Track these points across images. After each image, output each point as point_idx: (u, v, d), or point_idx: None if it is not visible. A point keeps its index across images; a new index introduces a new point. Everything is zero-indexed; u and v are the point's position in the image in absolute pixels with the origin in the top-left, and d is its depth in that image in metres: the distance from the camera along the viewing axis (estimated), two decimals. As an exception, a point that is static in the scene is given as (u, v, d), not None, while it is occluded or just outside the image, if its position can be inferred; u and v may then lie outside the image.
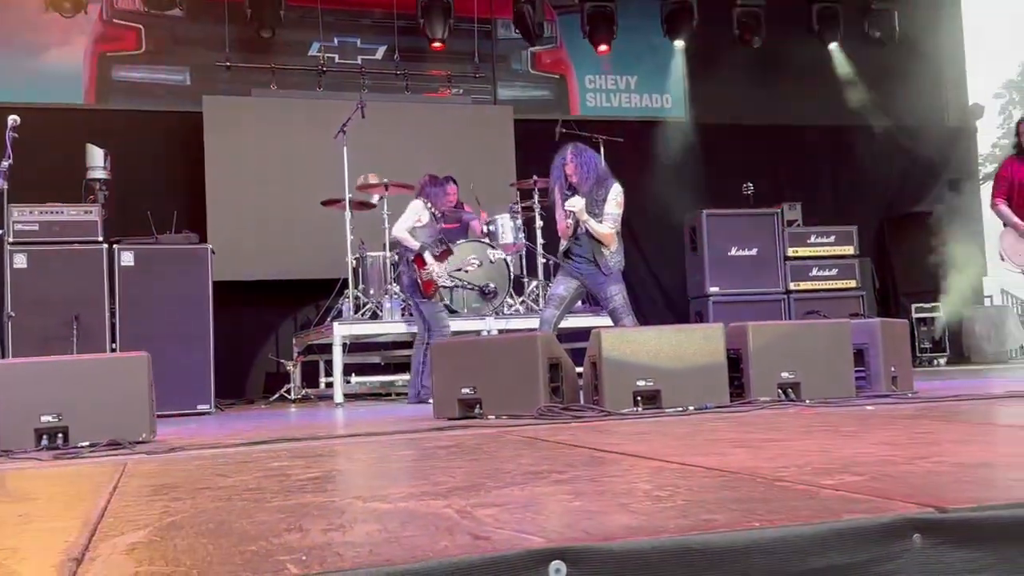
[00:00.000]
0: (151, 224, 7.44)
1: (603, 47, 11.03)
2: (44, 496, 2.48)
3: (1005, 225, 6.54)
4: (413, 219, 7.04)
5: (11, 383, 4.15)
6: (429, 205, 7.12)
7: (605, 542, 1.41)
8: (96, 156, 7.62)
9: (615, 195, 6.00)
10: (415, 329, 8.07)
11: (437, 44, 10.37)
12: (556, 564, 1.35)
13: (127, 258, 7.14)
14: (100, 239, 7.14)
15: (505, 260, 8.22)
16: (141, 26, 10.00)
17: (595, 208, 5.96)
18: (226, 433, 4.84)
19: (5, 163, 5.31)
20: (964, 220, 11.22)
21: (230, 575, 1.32)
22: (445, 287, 7.13)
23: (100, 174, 7.59)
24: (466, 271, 7.64)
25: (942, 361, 10.93)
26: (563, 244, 6.14)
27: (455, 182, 8.91)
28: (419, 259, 6.95)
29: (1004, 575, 1.50)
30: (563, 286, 6.07)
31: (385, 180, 8.52)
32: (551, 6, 10.99)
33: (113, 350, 6.88)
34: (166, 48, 10.07)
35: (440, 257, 7.09)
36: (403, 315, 7.99)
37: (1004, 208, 6.56)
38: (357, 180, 8.37)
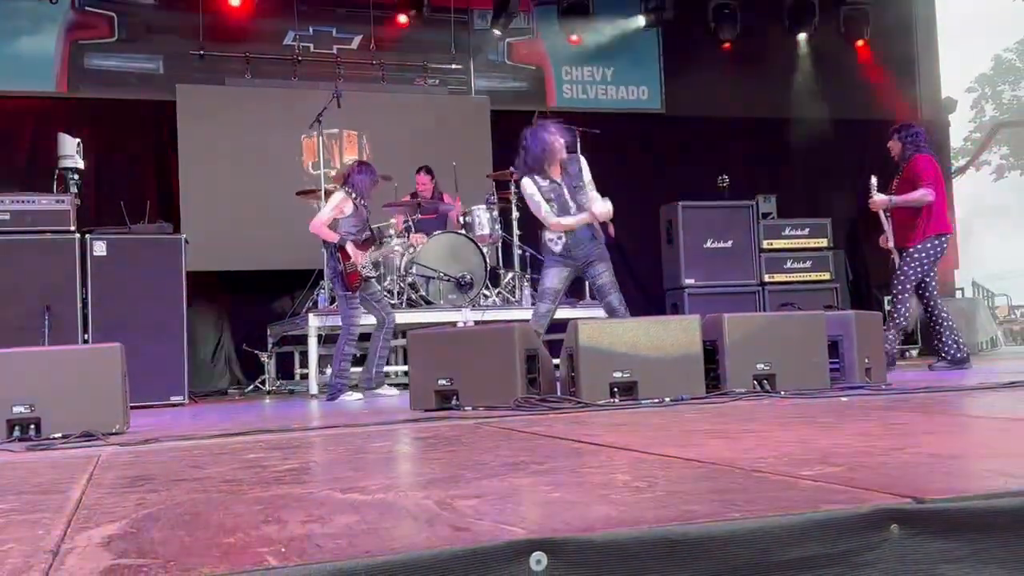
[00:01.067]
0: (124, 214, 7.37)
1: (575, 36, 11.03)
2: (17, 487, 2.45)
3: None
4: (334, 211, 6.87)
5: (-18, 374, 4.10)
6: (353, 194, 6.90)
7: (586, 533, 1.41)
8: (68, 145, 7.53)
9: (584, 164, 6.10)
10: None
11: (403, 20, 10.34)
12: (537, 555, 1.35)
13: (100, 248, 7.07)
14: (72, 229, 7.06)
15: (482, 251, 8.21)
16: (114, 14, 9.88)
17: (576, 182, 5.97)
18: (200, 424, 4.81)
19: (-25, 151, 5.23)
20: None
21: (208, 567, 1.30)
22: (370, 277, 6.99)
23: (72, 163, 7.49)
24: (377, 264, 7.47)
25: (914, 353, 11.03)
26: (556, 237, 5.99)
27: (430, 172, 8.89)
28: (343, 251, 6.79)
29: (980, 565, 1.51)
30: (556, 279, 5.98)
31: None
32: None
33: (85, 341, 6.81)
34: (140, 36, 9.96)
35: (363, 246, 6.90)
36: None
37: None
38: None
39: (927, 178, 6.78)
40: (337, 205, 6.89)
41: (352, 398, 6.75)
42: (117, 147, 9.30)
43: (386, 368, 7.54)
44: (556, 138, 5.91)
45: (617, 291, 6.04)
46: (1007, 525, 1.54)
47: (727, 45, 11.45)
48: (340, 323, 7.04)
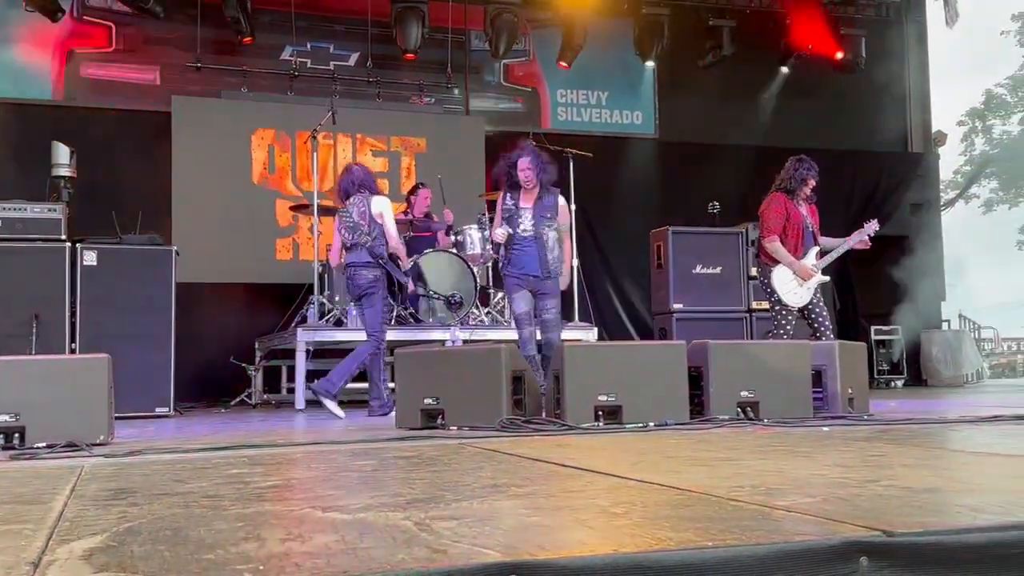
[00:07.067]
0: (115, 224, 7.38)
1: (563, 63, 11.10)
2: (0, 497, 2.46)
3: (777, 263, 6.59)
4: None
5: (-32, 381, 4.11)
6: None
7: (560, 557, 1.44)
8: (62, 154, 7.55)
9: (565, 205, 6.42)
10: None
11: (410, 55, 10.32)
12: (511, 578, 1.38)
13: (90, 257, 7.07)
14: (63, 238, 7.07)
15: (472, 271, 8.24)
16: (112, 24, 9.93)
17: (546, 213, 6.24)
18: (185, 437, 4.81)
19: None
20: (924, 245, 11.42)
21: (187, 583, 1.32)
22: None
23: (65, 172, 7.52)
24: None
25: (899, 384, 11.09)
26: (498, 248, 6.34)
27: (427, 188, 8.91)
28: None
29: (947, 599, 1.54)
30: (522, 302, 6.27)
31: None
32: (526, 20, 11.03)
33: (73, 350, 6.81)
34: (137, 47, 10.00)
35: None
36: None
37: (779, 245, 6.60)
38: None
39: None
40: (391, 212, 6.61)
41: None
42: (111, 157, 9.31)
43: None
44: (523, 174, 6.18)
45: (559, 329, 6.35)
46: (974, 560, 1.58)
47: (721, 71, 11.52)
48: (368, 335, 6.60)
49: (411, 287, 6.95)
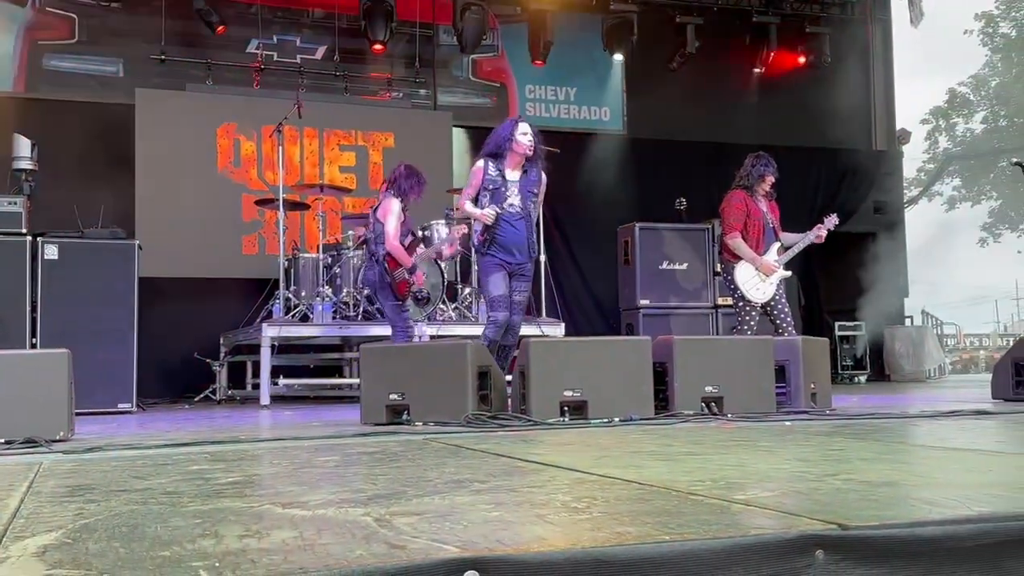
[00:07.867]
0: (78, 217, 7.29)
1: (539, 61, 11.14)
2: (-46, 495, 2.43)
3: (740, 259, 6.62)
4: (398, 222, 6.61)
5: (-76, 377, 4.04)
6: (402, 200, 6.70)
7: (518, 552, 1.44)
8: (23, 146, 7.44)
9: (546, 180, 6.13)
10: (345, 332, 8.04)
11: (378, 47, 10.31)
12: (470, 573, 1.37)
13: (51, 251, 6.98)
14: (24, 231, 6.97)
15: (439, 266, 8.22)
16: (75, 15, 9.80)
17: (532, 188, 5.99)
18: (146, 433, 4.76)
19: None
20: (888, 242, 11.55)
21: (141, 580, 1.31)
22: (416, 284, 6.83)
23: (27, 164, 7.41)
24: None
25: (862, 379, 11.22)
26: (481, 228, 5.94)
27: None
28: (391, 260, 6.62)
29: (902, 591, 1.56)
30: (502, 283, 5.93)
31: (321, 182, 8.46)
32: (494, 15, 11.03)
33: (33, 345, 6.72)
34: (100, 39, 9.88)
35: (409, 251, 6.75)
36: (334, 318, 7.94)
37: (741, 241, 6.63)
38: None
39: None
40: (397, 214, 6.60)
41: None
42: (73, 150, 9.19)
43: (336, 380, 7.47)
44: (526, 138, 5.88)
45: (523, 312, 6.09)
46: (929, 552, 1.59)
47: (689, 68, 11.58)
48: (391, 333, 6.81)
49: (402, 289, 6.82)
